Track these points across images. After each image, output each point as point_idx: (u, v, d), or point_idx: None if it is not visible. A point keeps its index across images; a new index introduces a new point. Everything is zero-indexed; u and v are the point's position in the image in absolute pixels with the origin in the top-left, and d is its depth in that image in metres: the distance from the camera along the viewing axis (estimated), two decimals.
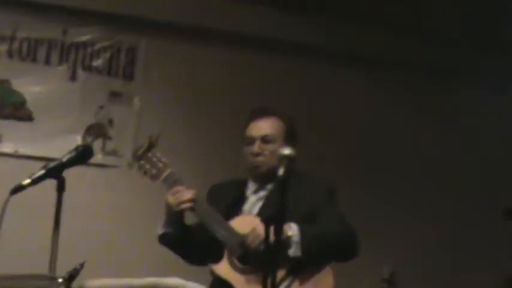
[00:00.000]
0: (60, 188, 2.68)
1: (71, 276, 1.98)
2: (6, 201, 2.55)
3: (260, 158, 3.33)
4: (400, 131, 5.66)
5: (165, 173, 3.24)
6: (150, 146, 3.27)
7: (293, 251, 3.09)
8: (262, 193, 3.36)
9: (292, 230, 3.08)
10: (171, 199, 3.20)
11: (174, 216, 3.25)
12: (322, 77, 5.48)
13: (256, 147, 3.33)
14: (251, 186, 3.41)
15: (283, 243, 2.92)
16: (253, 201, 3.36)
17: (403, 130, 5.66)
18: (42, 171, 2.71)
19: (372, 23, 5.40)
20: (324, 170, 4.58)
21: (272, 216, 2.68)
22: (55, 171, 2.71)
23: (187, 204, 3.19)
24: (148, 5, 5.04)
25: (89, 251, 4.23)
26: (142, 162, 3.26)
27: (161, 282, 2.16)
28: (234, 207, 3.33)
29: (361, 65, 5.59)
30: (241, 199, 3.38)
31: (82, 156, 2.85)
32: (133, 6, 5.00)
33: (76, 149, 2.87)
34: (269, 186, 3.35)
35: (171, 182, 3.23)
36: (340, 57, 5.54)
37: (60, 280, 1.97)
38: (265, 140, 3.34)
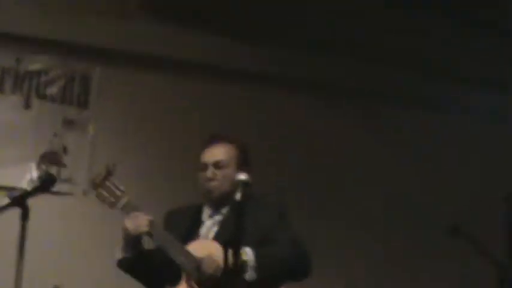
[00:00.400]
0: (24, 217, 2.74)
1: None
2: None
3: (213, 183, 3.44)
4: (355, 156, 5.78)
5: (123, 201, 3.32)
6: (108, 174, 3.35)
7: (249, 275, 3.18)
8: (218, 217, 3.46)
9: (247, 254, 3.18)
10: (129, 224, 3.29)
11: (132, 241, 3.33)
12: (278, 104, 5.58)
13: (209, 173, 3.45)
14: (206, 211, 3.50)
15: (239, 267, 2.98)
16: (209, 225, 3.46)
17: (359, 155, 5.78)
18: (7, 201, 2.77)
19: (352, 53, 5.55)
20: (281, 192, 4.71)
21: (229, 240, 2.79)
22: (20, 200, 2.78)
23: (145, 228, 3.27)
24: (102, 33, 5.06)
25: (48, 277, 4.24)
26: (100, 190, 3.34)
27: None
28: (191, 232, 3.42)
29: (317, 91, 5.70)
30: (197, 223, 3.47)
31: (46, 184, 2.92)
32: (86, 34, 5.01)
33: (40, 177, 2.94)
34: (224, 210, 3.45)
35: (129, 209, 3.31)
36: (296, 83, 5.63)
37: None
38: (217, 165, 3.45)
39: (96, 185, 3.35)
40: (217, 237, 3.35)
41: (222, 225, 3.41)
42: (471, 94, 5.95)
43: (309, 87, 5.68)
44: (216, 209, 3.48)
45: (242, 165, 3.43)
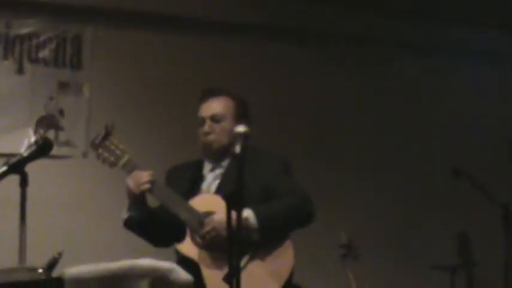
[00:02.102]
0: (23, 183, 2.73)
1: (51, 266, 2.04)
2: None
3: (211, 137, 3.42)
4: (354, 103, 5.76)
5: (124, 160, 3.30)
6: (107, 134, 3.32)
7: (253, 237, 3.18)
8: (218, 171, 3.46)
9: (249, 217, 3.17)
10: (131, 183, 3.27)
11: (136, 200, 3.31)
12: (274, 55, 5.54)
13: (206, 127, 3.43)
14: (207, 165, 3.50)
15: (242, 223, 2.87)
16: (211, 179, 3.46)
17: (358, 103, 5.77)
18: (5, 168, 2.75)
19: None
20: (282, 144, 4.72)
21: (231, 193, 2.77)
22: (17, 167, 2.76)
23: (146, 186, 3.26)
24: None
25: (52, 241, 4.25)
26: (100, 150, 3.31)
27: (136, 264, 2.24)
28: (193, 187, 3.42)
29: (313, 41, 5.67)
30: (198, 178, 3.47)
31: (43, 149, 2.90)
32: None
33: (36, 142, 2.91)
34: (224, 163, 3.45)
35: (130, 167, 3.30)
36: (293, 34, 5.59)
37: (40, 270, 2.03)
38: (214, 119, 3.44)
39: (96, 145, 3.32)
40: (219, 191, 3.36)
41: (223, 178, 3.41)
42: (471, 36, 5.93)
43: (308, 39, 5.65)
44: (216, 163, 3.47)
45: (240, 118, 3.41)
